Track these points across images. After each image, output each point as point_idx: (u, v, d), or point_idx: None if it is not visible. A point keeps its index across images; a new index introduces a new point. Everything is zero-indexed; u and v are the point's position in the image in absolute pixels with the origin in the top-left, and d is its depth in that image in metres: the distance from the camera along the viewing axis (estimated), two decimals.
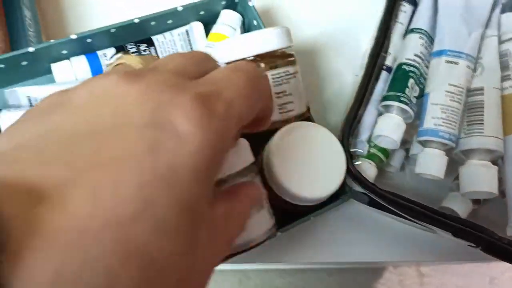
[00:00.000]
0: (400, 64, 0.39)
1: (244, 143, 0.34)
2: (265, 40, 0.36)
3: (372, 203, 0.40)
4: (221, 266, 0.25)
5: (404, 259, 0.43)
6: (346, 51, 0.49)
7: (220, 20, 0.43)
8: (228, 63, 0.37)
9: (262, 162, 0.36)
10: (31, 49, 0.36)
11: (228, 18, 0.43)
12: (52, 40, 0.37)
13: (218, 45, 0.38)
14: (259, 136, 0.37)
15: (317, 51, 0.49)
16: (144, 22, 0.40)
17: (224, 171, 0.33)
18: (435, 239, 0.42)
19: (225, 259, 0.35)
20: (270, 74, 0.35)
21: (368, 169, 0.38)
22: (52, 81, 0.40)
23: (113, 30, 0.39)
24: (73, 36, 0.37)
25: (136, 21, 0.39)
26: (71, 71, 0.39)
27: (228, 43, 0.38)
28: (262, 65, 0.35)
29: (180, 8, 0.41)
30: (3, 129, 0.36)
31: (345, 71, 0.48)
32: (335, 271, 1.21)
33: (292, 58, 0.37)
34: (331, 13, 0.50)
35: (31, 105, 0.37)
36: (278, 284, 1.15)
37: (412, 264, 1.27)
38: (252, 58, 0.36)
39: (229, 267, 0.35)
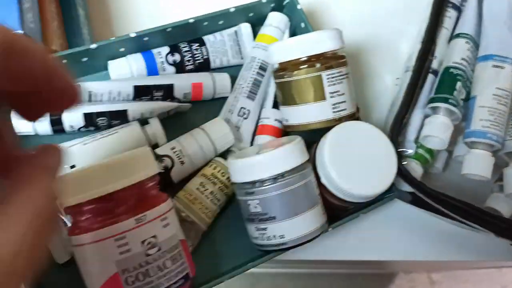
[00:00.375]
0: (447, 68, 0.40)
1: (299, 141, 0.36)
2: (319, 41, 0.37)
3: (415, 202, 0.41)
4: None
5: (444, 258, 0.44)
6: (386, 53, 0.50)
7: (268, 22, 0.44)
8: (281, 63, 0.39)
9: (315, 159, 0.37)
10: (93, 46, 0.37)
11: (276, 20, 0.44)
12: (112, 38, 0.38)
13: (272, 46, 0.39)
14: (313, 134, 0.38)
15: (357, 53, 0.50)
16: (198, 22, 0.41)
17: (281, 168, 0.34)
18: (474, 237, 0.43)
19: (276, 254, 0.36)
20: (325, 74, 0.37)
21: (415, 169, 0.39)
22: (106, 78, 0.41)
23: (169, 29, 0.40)
24: (132, 34, 0.39)
25: (191, 21, 0.40)
26: (127, 68, 0.40)
27: (283, 44, 0.39)
28: (318, 65, 0.37)
29: (232, 9, 0.42)
30: (65, 120, 0.37)
31: (384, 73, 0.50)
32: (345, 276, 1.21)
33: (345, 59, 0.38)
34: (372, 16, 0.52)
35: (90, 100, 0.38)
36: None
37: (423, 271, 1.27)
38: (305, 58, 0.37)
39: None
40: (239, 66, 0.44)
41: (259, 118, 0.43)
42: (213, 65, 0.43)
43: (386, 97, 0.48)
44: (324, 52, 0.37)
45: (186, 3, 0.49)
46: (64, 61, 0.37)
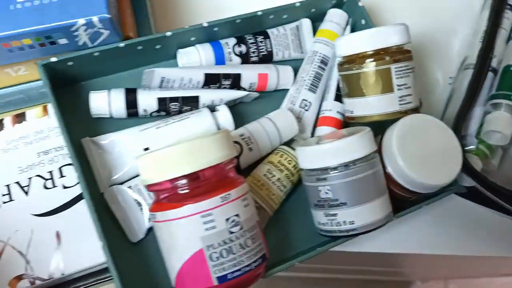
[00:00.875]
0: (508, 66, 0.41)
1: (369, 130, 0.37)
2: (388, 36, 0.38)
3: (471, 195, 0.42)
4: None
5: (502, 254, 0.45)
6: (437, 51, 0.52)
7: (328, 18, 0.46)
8: (345, 56, 0.40)
9: (381, 150, 0.38)
10: (168, 33, 0.39)
11: (337, 17, 0.45)
12: (186, 26, 0.40)
13: (339, 39, 0.40)
14: (374, 127, 0.39)
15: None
16: (264, 15, 0.42)
17: (353, 155, 0.35)
18: None
19: (345, 240, 0.37)
20: (394, 67, 0.38)
21: (477, 164, 0.40)
22: (173, 66, 0.42)
23: (238, 21, 0.41)
24: (205, 24, 0.40)
25: (259, 13, 0.42)
26: (197, 57, 0.41)
27: (351, 37, 0.40)
28: (387, 58, 0.38)
29: (298, 4, 0.43)
30: (139, 104, 0.38)
31: (436, 70, 0.51)
32: (361, 283, 1.21)
33: (411, 54, 0.39)
34: (425, 15, 0.53)
35: (161, 86, 0.39)
36: None
37: (440, 279, 1.26)
38: (372, 52, 0.38)
39: None
40: (299, 60, 0.45)
41: (319, 110, 0.44)
42: (275, 58, 0.44)
43: (438, 93, 0.49)
44: (391, 46, 0.38)
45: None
46: (140, 47, 0.38)
